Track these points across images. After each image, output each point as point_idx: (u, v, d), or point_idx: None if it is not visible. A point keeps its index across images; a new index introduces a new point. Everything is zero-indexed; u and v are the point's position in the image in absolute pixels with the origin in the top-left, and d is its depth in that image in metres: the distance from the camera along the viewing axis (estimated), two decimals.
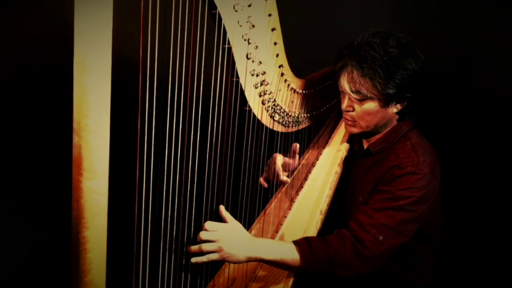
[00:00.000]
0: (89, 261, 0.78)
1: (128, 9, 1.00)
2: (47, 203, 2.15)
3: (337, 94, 1.50)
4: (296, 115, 1.51)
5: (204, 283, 1.25)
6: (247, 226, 1.38)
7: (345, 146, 1.67)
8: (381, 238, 1.21)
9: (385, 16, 2.23)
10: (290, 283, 1.27)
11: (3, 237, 1.99)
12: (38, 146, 2.25)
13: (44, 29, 2.19)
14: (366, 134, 1.47)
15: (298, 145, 1.57)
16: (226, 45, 1.11)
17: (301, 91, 1.47)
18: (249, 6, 1.13)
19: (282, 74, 1.35)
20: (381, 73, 1.27)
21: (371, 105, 1.33)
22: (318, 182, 1.61)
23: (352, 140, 1.64)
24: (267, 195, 1.59)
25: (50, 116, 2.21)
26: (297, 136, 1.60)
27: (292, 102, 1.47)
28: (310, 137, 1.78)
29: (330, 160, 1.66)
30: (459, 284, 2.01)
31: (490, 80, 2.13)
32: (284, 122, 1.46)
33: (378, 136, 1.45)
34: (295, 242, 1.23)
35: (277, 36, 1.26)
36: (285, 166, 1.61)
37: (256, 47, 1.19)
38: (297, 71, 1.41)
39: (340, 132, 1.76)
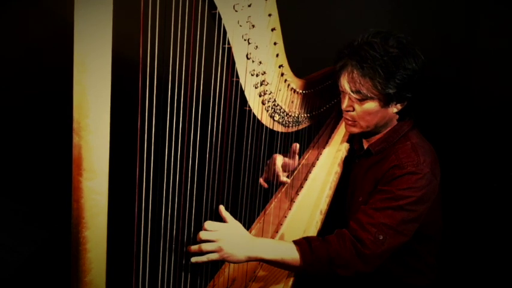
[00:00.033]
0: (89, 261, 0.78)
1: (128, 9, 1.00)
2: (47, 203, 2.15)
3: (337, 94, 1.50)
4: (296, 115, 1.51)
5: (204, 283, 1.25)
6: (247, 226, 1.38)
7: (345, 146, 1.67)
8: (381, 238, 1.21)
9: (385, 16, 2.23)
10: (290, 283, 1.27)
11: (3, 237, 1.99)
12: (38, 146, 2.26)
13: (44, 29, 2.19)
14: (366, 134, 1.47)
15: (298, 145, 1.57)
16: (226, 45, 1.11)
17: (301, 91, 1.47)
18: (249, 6, 1.13)
19: (282, 74, 1.35)
20: (381, 73, 1.27)
21: (371, 105, 1.33)
22: (318, 182, 1.61)
23: (352, 140, 1.64)
24: (267, 195, 1.59)
25: (50, 116, 2.21)
26: (297, 136, 1.60)
27: (292, 102, 1.47)
28: (310, 137, 1.78)
29: (330, 160, 1.66)
30: (459, 284, 2.01)
31: (490, 80, 2.13)
32: (284, 122, 1.46)
33: (378, 136, 1.45)
34: (295, 242, 1.23)
35: (277, 36, 1.26)
36: (284, 166, 1.61)
37: (256, 47, 1.19)
38: (297, 71, 1.41)
39: (340, 132, 1.76)
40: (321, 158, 1.71)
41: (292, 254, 1.20)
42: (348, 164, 1.62)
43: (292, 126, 1.52)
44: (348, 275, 1.21)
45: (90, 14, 0.69)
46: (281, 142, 1.53)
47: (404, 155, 1.33)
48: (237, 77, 1.18)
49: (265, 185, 1.59)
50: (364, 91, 1.30)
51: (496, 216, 2.12)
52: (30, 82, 2.26)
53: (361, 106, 1.35)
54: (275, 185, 1.60)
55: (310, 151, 1.79)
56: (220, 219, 1.20)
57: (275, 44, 1.26)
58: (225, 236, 1.15)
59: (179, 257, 1.13)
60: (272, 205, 1.58)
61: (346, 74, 1.34)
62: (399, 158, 1.33)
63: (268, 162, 1.59)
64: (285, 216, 1.53)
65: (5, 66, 2.18)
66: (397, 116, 1.40)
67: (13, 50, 2.19)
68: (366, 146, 1.50)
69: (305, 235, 1.32)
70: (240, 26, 1.12)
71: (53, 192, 2.04)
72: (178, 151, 1.01)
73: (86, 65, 0.70)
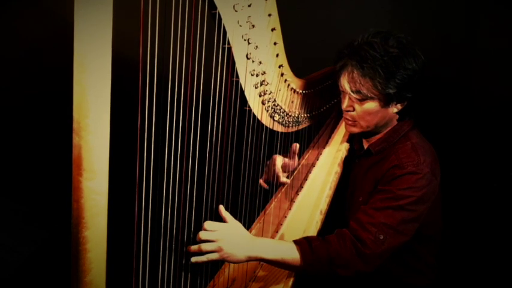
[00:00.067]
0: (89, 261, 0.78)
1: (128, 9, 1.00)
2: (47, 203, 2.15)
3: (337, 94, 1.50)
4: (296, 115, 1.51)
5: (204, 283, 1.25)
6: (247, 226, 1.38)
7: (345, 146, 1.67)
8: (382, 237, 1.21)
9: (385, 16, 2.23)
10: (290, 283, 1.27)
11: (3, 237, 1.99)
12: (38, 146, 2.26)
13: (44, 29, 2.19)
14: (366, 134, 1.47)
15: (298, 145, 1.57)
16: (226, 45, 1.11)
17: (301, 91, 1.47)
18: (249, 6, 1.13)
19: (282, 74, 1.35)
20: (381, 73, 1.27)
21: (371, 105, 1.33)
22: (318, 182, 1.61)
23: (352, 140, 1.64)
24: (267, 195, 1.59)
25: (50, 116, 2.21)
26: (297, 136, 1.60)
27: (292, 102, 1.47)
28: (310, 137, 1.78)
29: (330, 160, 1.66)
30: (459, 284, 2.01)
31: (490, 80, 2.13)
32: (284, 122, 1.46)
33: (378, 136, 1.45)
34: (296, 242, 1.23)
35: (277, 36, 1.26)
36: (284, 167, 1.61)
37: (256, 47, 1.19)
38: (297, 71, 1.41)
39: (340, 132, 1.76)
40: (321, 158, 1.71)
41: (292, 254, 1.20)
42: (348, 164, 1.62)
43: (292, 126, 1.52)
44: (348, 275, 1.21)
45: (90, 14, 0.69)
46: (281, 142, 1.53)
47: (404, 155, 1.33)
48: (237, 77, 1.18)
49: (266, 186, 1.59)
50: (364, 91, 1.30)
51: (496, 216, 2.12)
52: (30, 82, 2.26)
53: (361, 106, 1.35)
54: (275, 185, 1.60)
55: (310, 151, 1.78)
56: (220, 219, 1.20)
57: (275, 44, 1.26)
58: (225, 236, 1.15)
59: (179, 257, 1.13)
60: (272, 205, 1.58)
61: (346, 74, 1.34)
62: (399, 158, 1.33)
63: (268, 163, 1.59)
64: (285, 216, 1.53)
65: (5, 66, 2.18)
66: (397, 116, 1.40)
67: (13, 50, 2.19)
68: (366, 146, 1.50)
69: (305, 235, 1.32)
70: (240, 26, 1.12)
71: (53, 192, 2.04)
72: (178, 151, 1.01)
73: (86, 65, 0.70)
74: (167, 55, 0.94)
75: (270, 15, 1.20)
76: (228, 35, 1.10)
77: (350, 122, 1.42)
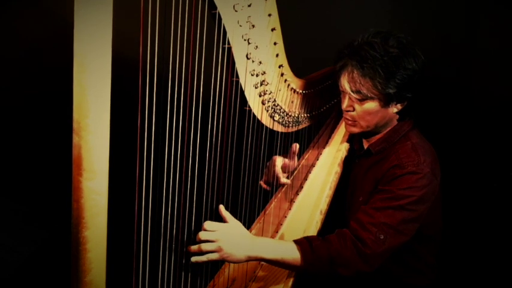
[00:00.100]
0: (89, 261, 0.78)
1: (128, 9, 1.00)
2: (47, 203, 2.15)
3: (337, 94, 1.50)
4: (296, 115, 1.51)
5: (204, 283, 1.25)
6: (247, 226, 1.38)
7: (345, 146, 1.67)
8: (382, 237, 1.21)
9: (385, 16, 2.23)
10: (290, 283, 1.27)
11: (3, 237, 1.99)
12: (38, 146, 2.26)
13: (44, 29, 2.19)
14: (366, 134, 1.47)
15: (297, 146, 1.57)
16: (226, 45, 1.11)
17: (301, 91, 1.47)
18: (249, 6, 1.13)
19: (282, 74, 1.35)
20: (381, 73, 1.27)
21: (371, 105, 1.33)
22: (318, 182, 1.61)
23: (352, 140, 1.64)
24: (267, 195, 1.59)
25: (50, 116, 2.21)
26: (297, 136, 1.60)
27: (292, 102, 1.47)
28: (310, 137, 1.78)
29: (330, 160, 1.66)
30: (459, 284, 2.01)
31: (490, 80, 2.14)
32: (284, 122, 1.46)
33: (378, 136, 1.45)
34: (296, 241, 1.23)
35: (277, 36, 1.26)
36: (284, 167, 1.60)
37: (256, 47, 1.19)
38: (297, 71, 1.41)
39: (340, 132, 1.76)
40: (321, 158, 1.71)
41: (293, 254, 1.20)
42: (348, 164, 1.62)
43: (292, 126, 1.52)
44: (348, 275, 1.21)
45: (90, 14, 0.69)
46: (281, 142, 1.53)
47: (404, 154, 1.33)
48: (237, 77, 1.18)
49: (267, 188, 1.59)
50: (364, 91, 1.30)
51: (496, 216, 2.12)
52: (30, 82, 2.26)
53: (361, 106, 1.34)
54: (275, 185, 1.60)
55: (310, 151, 1.78)
56: (221, 218, 1.20)
57: (275, 44, 1.26)
58: (225, 236, 1.15)
59: (179, 257, 1.13)
60: (272, 205, 1.58)
61: (346, 74, 1.34)
62: (399, 157, 1.33)
63: (268, 164, 1.59)
64: (285, 216, 1.53)
65: (5, 66, 2.18)
66: (397, 116, 1.40)
67: (13, 50, 2.19)
68: (366, 146, 1.50)
69: (305, 235, 1.31)
70: (240, 26, 1.12)
71: (53, 192, 2.04)
72: (178, 151, 1.01)
73: (86, 65, 0.70)
74: (167, 55, 0.94)
75: (270, 15, 1.20)
76: (228, 35, 1.10)
77: (350, 122, 1.42)
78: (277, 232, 1.48)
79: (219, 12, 1.05)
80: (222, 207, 1.21)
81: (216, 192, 1.19)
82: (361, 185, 1.46)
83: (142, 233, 0.95)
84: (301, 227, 1.43)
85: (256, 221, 1.53)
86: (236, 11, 1.09)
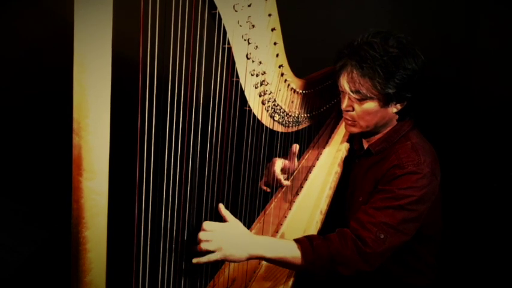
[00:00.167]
0: (89, 261, 0.78)
1: (128, 9, 1.00)
2: (47, 203, 2.15)
3: (337, 94, 1.50)
4: (296, 115, 1.51)
5: (204, 283, 1.25)
6: (247, 226, 1.37)
7: (345, 146, 1.67)
8: (382, 236, 1.22)
9: (385, 16, 2.23)
10: (290, 283, 1.27)
11: (3, 237, 1.99)
12: (38, 146, 2.26)
13: (44, 29, 2.19)
14: (366, 134, 1.47)
15: (297, 146, 1.57)
16: (226, 45, 1.11)
17: (301, 91, 1.47)
18: (249, 6, 1.13)
19: (282, 74, 1.35)
20: (380, 73, 1.27)
21: (371, 105, 1.33)
22: (317, 182, 1.61)
23: (352, 140, 1.65)
24: (267, 196, 1.59)
25: (50, 116, 2.21)
26: (297, 136, 1.60)
27: (292, 102, 1.47)
28: (310, 137, 1.78)
29: (330, 160, 1.66)
30: (459, 284, 2.01)
31: (490, 80, 2.13)
32: (284, 122, 1.46)
33: (378, 136, 1.45)
34: (297, 240, 1.23)
35: (277, 36, 1.26)
36: (284, 169, 1.60)
37: (256, 47, 1.19)
38: (297, 71, 1.41)
39: (340, 132, 1.76)
40: (321, 158, 1.71)
41: (293, 253, 1.20)
42: (348, 164, 1.62)
43: (292, 126, 1.52)
44: (348, 274, 1.21)
45: (90, 14, 0.69)
46: (281, 142, 1.53)
47: (404, 154, 1.33)
48: (237, 77, 1.18)
49: (267, 189, 1.59)
50: (364, 91, 1.30)
51: (496, 216, 2.12)
52: (30, 82, 2.26)
53: (361, 106, 1.35)
54: (275, 186, 1.60)
55: (310, 151, 1.79)
56: (221, 218, 1.20)
57: (275, 44, 1.26)
58: (225, 236, 1.14)
59: (179, 257, 1.13)
60: (272, 205, 1.58)
61: (346, 74, 1.34)
62: (399, 157, 1.33)
63: (268, 165, 1.59)
64: (285, 216, 1.53)
65: (5, 66, 2.18)
66: (397, 116, 1.40)
67: (13, 50, 2.19)
68: (366, 146, 1.50)
69: (305, 235, 1.32)
70: (240, 26, 1.12)
71: (53, 192, 2.04)
72: (178, 151, 1.01)
73: (86, 65, 0.70)
74: (167, 55, 0.94)
75: (270, 15, 1.20)
76: (228, 35, 1.10)
77: (350, 122, 1.42)
78: (277, 232, 1.48)
79: (219, 12, 1.05)
80: (221, 206, 1.21)
81: (216, 192, 1.19)
82: (361, 185, 1.46)
83: (143, 233, 0.95)
84: (301, 227, 1.43)
85: (256, 221, 1.53)
86: (236, 11, 1.09)
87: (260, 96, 1.29)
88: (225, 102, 1.14)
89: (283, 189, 1.63)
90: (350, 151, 1.65)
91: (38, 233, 2.06)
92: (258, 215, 1.53)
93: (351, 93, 1.33)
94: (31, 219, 2.13)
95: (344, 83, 1.35)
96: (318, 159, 1.71)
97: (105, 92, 0.73)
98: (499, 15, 2.08)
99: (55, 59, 1.82)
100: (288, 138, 1.56)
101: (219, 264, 1.34)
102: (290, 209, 1.56)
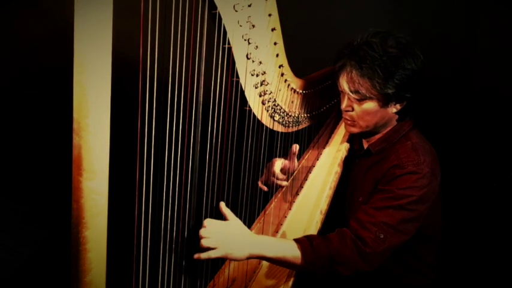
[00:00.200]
0: (89, 261, 0.78)
1: (128, 9, 1.00)
2: (47, 203, 2.15)
3: (337, 94, 1.50)
4: (296, 115, 1.51)
5: (204, 283, 1.25)
6: (247, 226, 1.37)
7: (345, 146, 1.67)
8: (382, 236, 1.22)
9: (385, 16, 2.23)
10: (290, 283, 1.27)
11: (3, 237, 2.00)
12: (38, 146, 2.26)
13: (44, 29, 2.19)
14: (366, 134, 1.47)
15: (297, 146, 1.57)
16: (226, 45, 1.11)
17: (301, 91, 1.47)
18: (249, 6, 1.13)
19: (282, 74, 1.35)
20: (380, 73, 1.27)
21: (370, 105, 1.33)
22: (317, 182, 1.61)
23: (352, 140, 1.65)
24: (267, 196, 1.59)
25: (50, 116, 2.21)
26: (297, 136, 1.60)
27: (292, 102, 1.47)
28: (310, 137, 1.78)
29: (330, 160, 1.66)
30: (459, 284, 2.01)
31: (490, 80, 2.13)
32: (284, 122, 1.46)
33: (378, 136, 1.45)
34: (297, 240, 1.23)
35: (277, 36, 1.26)
36: (284, 169, 1.60)
37: (256, 47, 1.19)
38: (297, 71, 1.41)
39: (340, 132, 1.76)
40: (321, 158, 1.71)
41: (293, 252, 1.20)
42: (348, 164, 1.62)
43: (292, 126, 1.52)
44: (348, 274, 1.21)
45: (90, 14, 0.69)
46: (281, 142, 1.53)
47: (404, 154, 1.33)
48: (237, 77, 1.18)
49: (265, 189, 1.58)
50: (363, 91, 1.30)
51: (496, 216, 2.12)
52: (30, 82, 2.26)
53: (360, 106, 1.35)
54: (275, 186, 1.60)
55: (310, 151, 1.78)
56: (221, 218, 1.20)
57: (275, 44, 1.26)
58: (225, 234, 1.14)
59: (179, 257, 1.13)
60: (272, 205, 1.58)
61: (345, 74, 1.34)
62: (399, 157, 1.33)
63: (267, 165, 1.59)
64: (285, 217, 1.53)
65: (5, 66, 2.18)
66: (397, 116, 1.39)
67: (13, 50, 2.19)
68: (365, 146, 1.50)
69: (305, 235, 1.32)
70: (240, 26, 1.12)
71: (53, 192, 2.05)
72: (178, 151, 1.01)
73: (86, 65, 0.71)
74: (167, 55, 0.94)
75: (270, 15, 1.20)
76: (228, 35, 1.10)
77: (349, 122, 1.42)
78: (277, 232, 1.48)
79: (219, 13, 1.05)
80: (222, 204, 1.20)
81: (216, 192, 1.19)
82: (361, 185, 1.46)
83: (143, 233, 0.95)
84: (301, 227, 1.43)
85: (256, 221, 1.53)
86: (236, 11, 1.09)
87: (260, 96, 1.29)
88: (225, 102, 1.14)
89: (283, 189, 1.63)
90: (350, 151, 1.65)
91: (38, 233, 2.06)
92: (258, 215, 1.53)
93: (351, 94, 1.33)
94: (31, 219, 2.13)
95: (343, 83, 1.35)
96: (318, 159, 1.71)
97: (105, 92, 0.73)
98: (499, 15, 2.08)
99: (55, 59, 1.82)
100: (288, 138, 1.56)
101: (219, 264, 1.34)
102: (290, 209, 1.56)
